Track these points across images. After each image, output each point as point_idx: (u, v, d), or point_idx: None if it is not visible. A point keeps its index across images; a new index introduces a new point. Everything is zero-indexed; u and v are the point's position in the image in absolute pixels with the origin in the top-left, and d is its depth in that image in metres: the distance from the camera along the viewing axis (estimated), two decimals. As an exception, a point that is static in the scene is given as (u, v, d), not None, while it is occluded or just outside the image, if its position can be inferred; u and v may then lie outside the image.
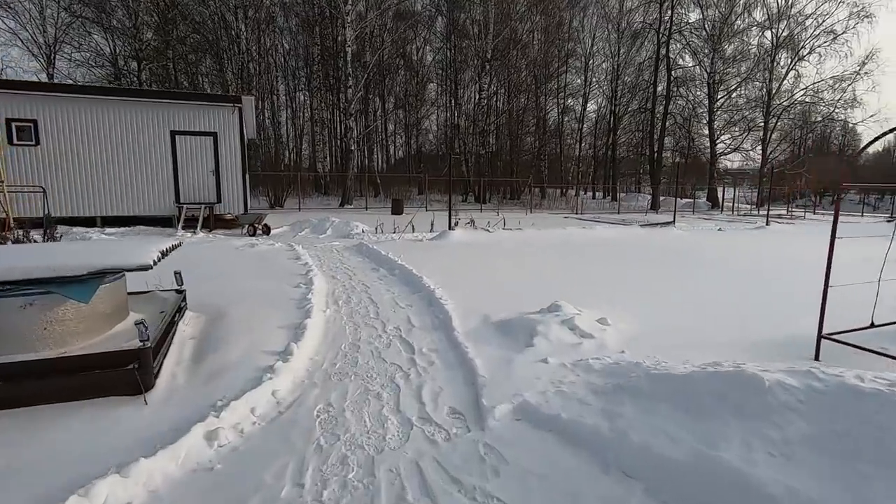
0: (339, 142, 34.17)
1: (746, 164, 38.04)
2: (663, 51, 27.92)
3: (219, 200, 13.40)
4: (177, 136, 12.79)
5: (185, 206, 12.44)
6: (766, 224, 15.41)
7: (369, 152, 30.67)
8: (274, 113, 30.73)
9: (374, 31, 25.72)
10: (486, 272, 7.19)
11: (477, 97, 26.94)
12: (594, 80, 40.67)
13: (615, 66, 38.82)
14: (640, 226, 13.06)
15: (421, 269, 7.01)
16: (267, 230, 12.20)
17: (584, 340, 4.00)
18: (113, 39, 25.52)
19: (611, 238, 11.63)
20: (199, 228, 11.62)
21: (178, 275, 4.70)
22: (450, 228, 11.03)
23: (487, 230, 11.24)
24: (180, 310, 4.27)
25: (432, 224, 13.28)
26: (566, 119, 40.59)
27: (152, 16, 25.50)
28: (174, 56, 26.96)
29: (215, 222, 13.25)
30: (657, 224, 13.27)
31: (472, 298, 5.35)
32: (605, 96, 40.49)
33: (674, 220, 13.65)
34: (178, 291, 4.54)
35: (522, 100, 32.76)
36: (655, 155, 27.94)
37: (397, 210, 18.99)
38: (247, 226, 11.94)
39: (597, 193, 42.16)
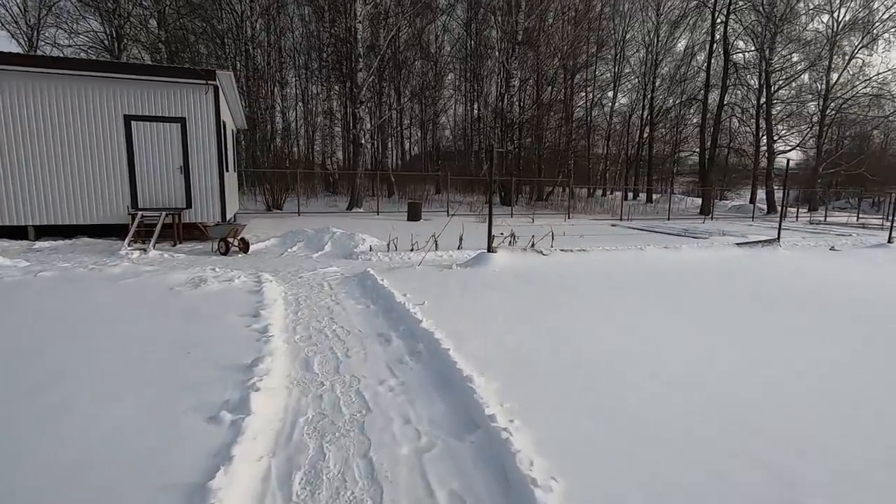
0: (350, 136, 31.34)
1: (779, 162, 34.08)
2: (718, 33, 24.40)
3: (188, 205, 10.49)
4: (133, 123, 9.91)
5: (140, 212, 9.55)
6: (889, 241, 12.07)
7: (383, 147, 27.71)
8: (275, 102, 27.96)
9: (388, 10, 22.69)
10: (581, 357, 4.11)
11: (504, 86, 23.75)
12: (628, 70, 37.29)
13: (653, 55, 35.34)
14: (737, 245, 9.84)
15: (462, 341, 4.00)
16: (244, 246, 9.25)
17: None
18: (110, 24, 22.77)
19: (717, 267, 8.44)
20: (152, 244, 8.70)
21: None
22: (489, 250, 7.96)
23: (540, 252, 8.18)
24: None
25: (461, 239, 10.21)
26: (595, 114, 37.23)
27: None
28: (169, 39, 24.24)
29: (185, 233, 10.35)
30: (757, 242, 10.04)
31: (615, 477, 2.30)
32: (639, 88, 37.05)
33: (778, 237, 10.39)
34: None
35: (551, 91, 29.48)
36: (708, 151, 24.44)
37: (414, 215, 15.96)
38: (217, 241, 9.01)
39: (629, 194, 38.69)
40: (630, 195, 38.69)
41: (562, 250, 8.52)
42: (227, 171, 11.54)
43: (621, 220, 20.16)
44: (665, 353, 4.05)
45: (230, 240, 8.94)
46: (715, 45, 24.29)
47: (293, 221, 14.70)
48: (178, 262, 8.06)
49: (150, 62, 21.54)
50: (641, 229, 16.30)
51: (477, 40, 33.72)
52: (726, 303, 5.95)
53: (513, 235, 10.63)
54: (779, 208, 28.66)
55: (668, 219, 21.00)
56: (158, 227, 9.18)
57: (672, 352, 4.10)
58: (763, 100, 26.15)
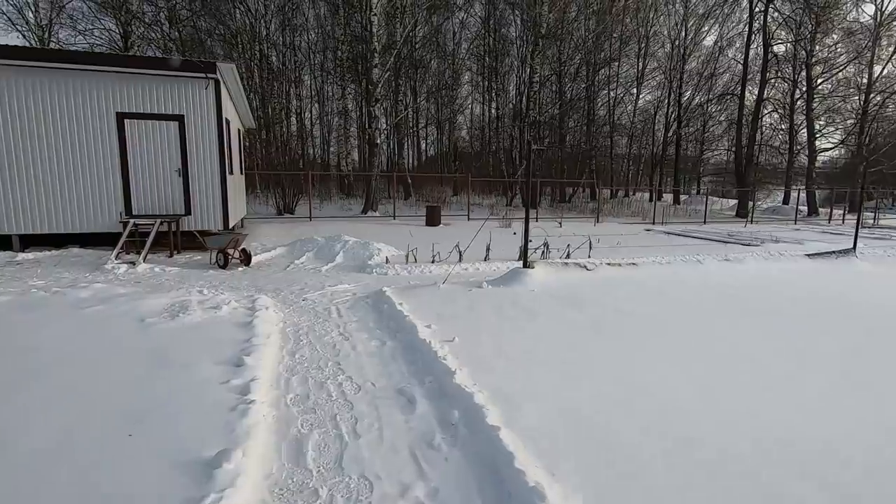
0: (365, 137, 30.45)
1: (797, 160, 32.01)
2: (756, 23, 22.81)
3: (187, 212, 9.54)
4: (127, 121, 8.98)
5: (133, 220, 8.60)
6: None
7: (399, 147, 26.73)
8: (289, 103, 27.22)
9: (405, 5, 21.65)
10: (692, 433, 2.94)
11: (526, 83, 22.54)
12: (654, 65, 35.68)
13: (681, 49, 33.71)
14: (807, 256, 8.50)
15: (512, 407, 2.90)
16: (246, 258, 8.24)
17: None
18: (125, 25, 22.10)
19: (797, 284, 7.14)
20: (142, 257, 7.73)
21: None
22: (524, 264, 6.79)
23: (583, 266, 6.98)
24: None
25: (488, 249, 9.06)
26: (618, 112, 35.69)
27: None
28: (182, 39, 23.57)
29: (185, 242, 9.40)
30: (831, 253, 8.69)
31: None
32: (664, 85, 35.43)
33: (854, 246, 9.01)
34: None
35: (572, 89, 28.13)
36: (745, 149, 22.84)
37: (433, 220, 14.86)
38: (216, 252, 8.01)
39: (655, 196, 37.02)
40: (654, 196, 37.04)
41: (608, 264, 7.31)
42: (231, 173, 10.58)
43: (653, 223, 18.78)
44: (828, 431, 2.85)
45: (230, 251, 7.93)
46: (753, 35, 22.68)
47: (304, 227, 13.71)
48: (168, 278, 7.06)
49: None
50: (679, 234, 14.94)
51: (495, 37, 32.63)
52: (847, 338, 4.70)
53: (546, 246, 9.44)
54: (829, 210, 26.81)
55: (705, 222, 19.54)
56: (151, 236, 8.22)
57: (836, 431, 2.90)
58: (797, 94, 24.44)
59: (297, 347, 4.18)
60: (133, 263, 7.55)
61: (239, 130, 12.99)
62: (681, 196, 35.35)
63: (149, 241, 8.09)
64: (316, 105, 32.04)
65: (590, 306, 5.55)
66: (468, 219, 16.82)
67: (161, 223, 8.69)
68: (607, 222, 18.06)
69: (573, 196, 29.60)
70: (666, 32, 34.98)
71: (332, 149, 32.17)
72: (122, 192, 9.12)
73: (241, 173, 13.36)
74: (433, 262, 8.66)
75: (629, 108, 36.84)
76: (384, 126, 18.38)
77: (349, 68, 26.33)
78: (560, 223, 15.65)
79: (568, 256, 9.53)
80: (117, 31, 21.41)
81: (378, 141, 17.39)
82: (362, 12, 17.93)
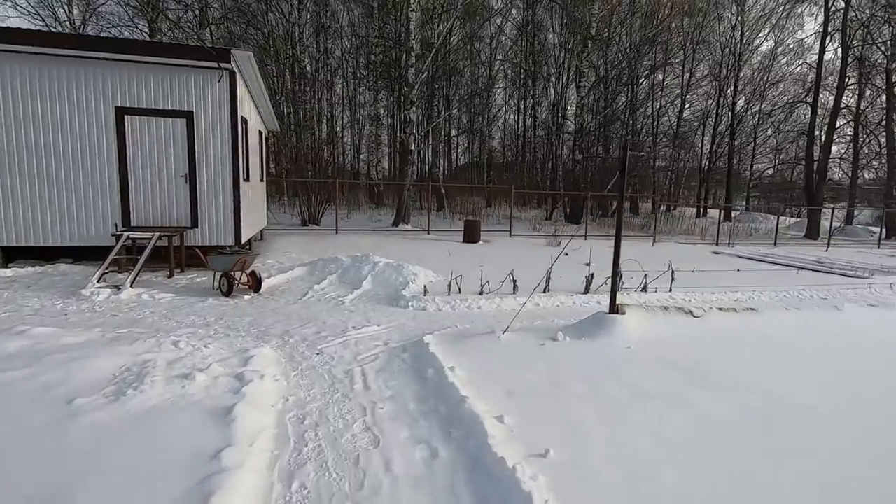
0: (396, 144, 29.27)
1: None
2: (831, 24, 20.51)
3: (194, 224, 8.19)
4: (127, 118, 7.72)
5: (127, 233, 7.27)
6: None
7: (433, 155, 25.36)
8: (321, 109, 26.25)
9: (444, 6, 20.33)
10: None
11: (562, 89, 20.84)
12: (704, 71, 33.39)
13: (736, 55, 31.39)
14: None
15: None
16: (255, 283, 6.78)
17: None
18: (158, 30, 21.43)
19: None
20: (129, 280, 6.33)
21: None
22: (611, 309, 5.07)
23: (688, 312, 5.24)
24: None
25: (548, 280, 7.37)
26: (664, 121, 33.47)
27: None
28: (215, 43, 22.81)
29: (188, 259, 8.03)
30: None
31: None
32: (712, 94, 33.10)
33: None
34: None
35: (622, 93, 26.22)
36: (817, 163, 20.46)
37: (472, 236, 13.24)
38: (220, 277, 6.58)
39: (701, 211, 34.56)
40: (698, 211, 34.56)
41: (719, 309, 5.52)
42: (247, 180, 9.24)
43: (717, 244, 16.70)
44: None
45: (232, 275, 6.48)
46: (828, 38, 20.39)
47: (329, 241, 12.30)
48: (153, 311, 5.64)
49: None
50: (757, 259, 12.90)
51: (534, 42, 31.15)
52: None
53: (619, 276, 7.67)
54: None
55: (775, 244, 17.31)
56: (144, 255, 6.85)
57: None
58: (863, 104, 21.90)
59: (297, 465, 2.59)
60: (118, 288, 6.17)
61: (261, 133, 11.72)
62: (732, 212, 32.78)
63: (140, 260, 6.71)
64: (347, 112, 31.10)
65: (722, 383, 3.81)
66: (510, 234, 15.14)
67: (160, 237, 7.34)
68: (664, 242, 16.07)
69: (615, 210, 27.55)
70: (715, 38, 32.73)
71: (362, 156, 31.12)
72: (120, 200, 7.83)
73: (262, 180, 12.07)
74: (481, 293, 7.03)
75: (673, 117, 34.59)
76: (417, 131, 16.96)
77: (382, 74, 25.25)
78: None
79: (644, 289, 7.76)
80: (149, 35, 20.77)
81: (412, 147, 15.95)
82: (399, 11, 16.69)
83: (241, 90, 8.36)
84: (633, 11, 24.31)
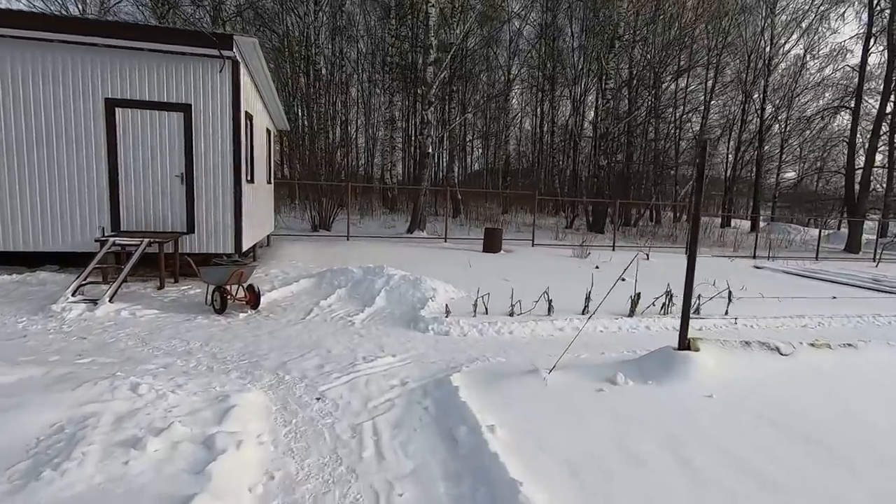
0: (411, 149, 28.56)
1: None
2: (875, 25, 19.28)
3: (190, 229, 7.38)
4: (118, 110, 6.95)
5: (112, 239, 6.47)
6: None
7: (449, 159, 24.57)
8: (336, 112, 25.63)
9: (464, 5, 19.52)
10: None
11: (596, 89, 19.89)
12: (728, 77, 32.14)
13: (765, 58, 30.14)
14: None
15: None
16: (252, 299, 5.92)
17: None
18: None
19: None
20: (108, 294, 5.51)
21: None
22: (681, 344, 4.10)
23: (774, 349, 4.25)
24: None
25: (588, 299, 6.41)
26: (688, 127, 32.26)
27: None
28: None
29: (183, 268, 7.21)
30: None
31: None
32: (736, 101, 31.82)
33: None
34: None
35: (648, 97, 25.16)
36: (861, 172, 19.18)
37: (492, 245, 12.30)
38: (212, 291, 5.74)
39: (725, 221, 33.19)
40: (723, 221, 33.19)
41: (810, 345, 4.51)
42: (251, 181, 8.43)
43: (755, 257, 15.55)
44: None
45: (227, 290, 5.63)
46: (872, 39, 19.17)
47: (339, 249, 11.46)
48: (129, 332, 4.80)
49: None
50: (804, 275, 11.78)
51: (553, 46, 30.32)
52: None
53: (668, 295, 6.70)
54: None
55: (817, 258, 16.09)
56: (129, 264, 6.04)
57: None
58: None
59: None
60: (94, 303, 5.35)
61: (269, 131, 10.94)
62: (759, 222, 31.38)
63: (123, 271, 5.89)
64: (362, 115, 30.48)
65: (851, 457, 2.82)
66: (532, 244, 14.18)
67: (151, 243, 6.53)
68: (700, 254, 14.94)
69: (639, 219, 26.40)
70: (743, 42, 31.49)
71: (375, 160, 30.44)
72: (109, 202, 7.06)
73: (270, 182, 11.28)
74: (511, 314, 6.09)
75: (696, 124, 33.33)
76: (435, 133, 16.12)
77: (398, 76, 24.58)
78: (647, 255, 12.78)
79: (697, 311, 6.76)
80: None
81: (429, 150, 15.10)
82: (417, 11, 15.99)
83: (245, 81, 7.56)
84: (659, 13, 23.33)
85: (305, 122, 25.01)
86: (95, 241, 6.46)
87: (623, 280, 9.61)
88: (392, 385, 3.79)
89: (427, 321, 5.62)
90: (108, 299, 5.39)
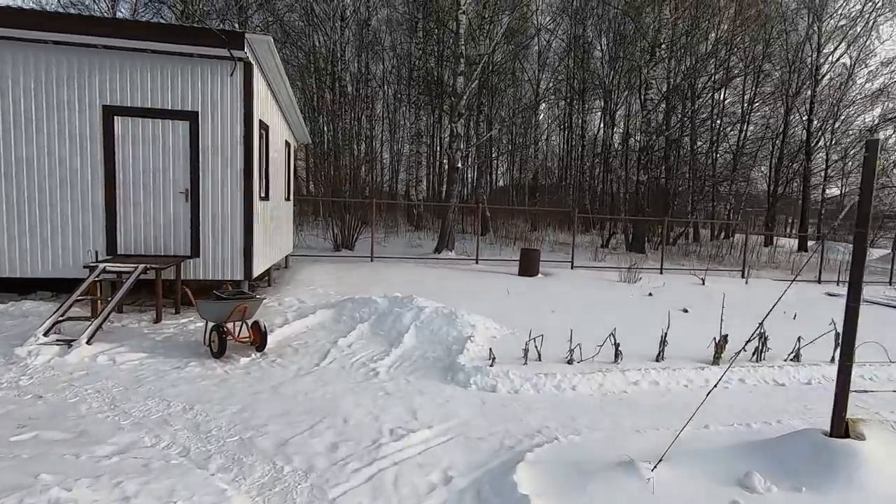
0: (436, 165, 27.77)
1: None
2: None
3: (195, 253, 6.51)
4: (116, 119, 6.18)
5: (105, 264, 5.61)
6: None
7: (477, 174, 23.68)
8: (361, 128, 25.12)
9: (494, 12, 18.70)
10: None
11: (635, 99, 18.75)
12: (769, 87, 30.48)
13: (812, 67, 28.45)
14: None
15: None
16: (257, 339, 4.94)
17: None
18: None
19: None
20: (87, 333, 4.59)
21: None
22: (836, 430, 2.92)
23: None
24: None
25: (663, 343, 5.22)
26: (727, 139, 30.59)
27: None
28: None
29: (185, 296, 6.31)
30: None
31: None
32: (776, 112, 30.09)
33: None
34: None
35: (689, 108, 23.82)
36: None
37: (529, 268, 11.16)
38: (209, 330, 4.78)
39: (769, 240, 31.17)
40: (766, 240, 31.17)
41: None
42: (266, 198, 7.56)
43: (820, 282, 13.97)
44: None
45: (225, 331, 4.67)
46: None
47: (363, 271, 10.50)
48: (100, 388, 3.86)
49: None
50: (890, 305, 10.26)
51: (583, 58, 29.40)
52: None
53: (762, 338, 5.43)
54: None
55: (891, 282, 14.41)
56: (117, 297, 5.14)
57: None
58: None
59: None
60: (69, 344, 4.45)
61: (288, 144, 10.14)
62: (808, 242, 29.31)
63: (108, 306, 4.99)
64: (387, 131, 29.96)
65: None
66: (572, 266, 12.98)
67: (147, 270, 5.65)
68: (755, 277, 13.45)
69: (679, 237, 24.83)
70: (785, 52, 29.85)
71: (400, 177, 29.78)
72: (105, 223, 6.25)
73: (289, 199, 10.45)
74: (570, 361, 4.95)
75: (731, 137, 31.58)
76: (464, 146, 15.16)
77: (424, 90, 23.96)
78: (703, 279, 11.42)
79: (797, 358, 5.48)
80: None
81: (458, 165, 14.15)
82: (444, 24, 15.25)
83: (259, 86, 6.73)
84: (699, 20, 22.11)
85: (329, 139, 24.56)
86: (84, 267, 5.60)
87: (685, 311, 8.43)
88: (431, 483, 2.71)
89: (468, 371, 4.53)
90: (85, 340, 4.48)
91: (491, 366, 4.63)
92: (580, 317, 7.18)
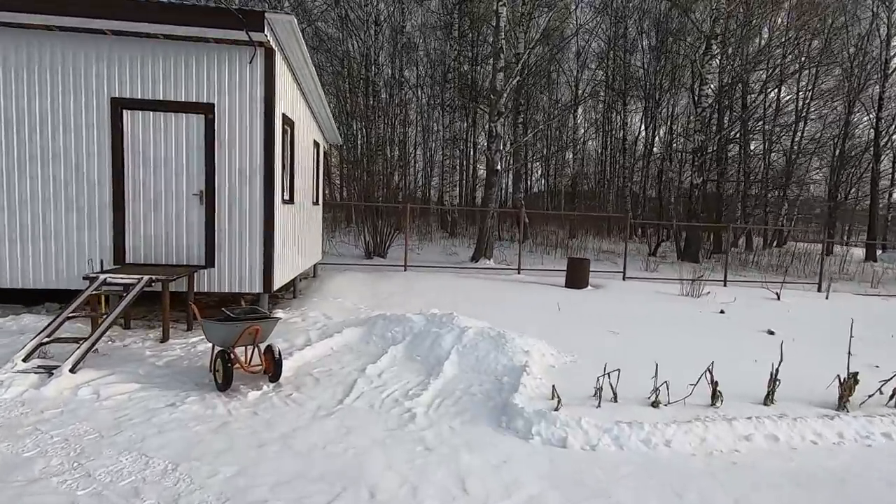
0: (471, 169, 26.94)
1: None
2: None
3: (209, 262, 5.81)
4: (126, 113, 5.55)
5: (104, 276, 4.94)
6: None
7: (515, 178, 22.74)
8: (394, 133, 24.58)
9: (532, 11, 17.75)
10: None
11: (696, 97, 17.42)
12: (829, 84, 28.21)
13: (881, 62, 26.17)
14: None
15: None
16: (272, 367, 4.12)
17: None
18: None
19: None
20: (74, 360, 3.88)
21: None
22: None
23: None
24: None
25: (774, 379, 4.11)
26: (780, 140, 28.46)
27: None
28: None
29: (197, 311, 5.59)
30: None
31: None
32: (838, 113, 27.75)
33: None
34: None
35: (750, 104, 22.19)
36: None
37: (578, 280, 10.08)
38: (214, 356, 3.99)
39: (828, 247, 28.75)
40: (824, 249, 28.70)
41: None
42: (290, 202, 6.83)
43: (909, 296, 12.27)
44: None
45: (230, 357, 3.87)
46: None
47: (396, 281, 9.67)
48: (78, 428, 3.10)
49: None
50: None
51: (624, 58, 28.09)
52: None
53: (903, 375, 4.24)
54: None
55: None
56: (115, 313, 4.44)
57: None
58: None
59: None
60: (50, 372, 3.74)
61: (317, 144, 9.45)
62: (877, 251, 26.84)
63: (99, 329, 4.27)
64: (420, 136, 29.35)
65: None
66: (623, 277, 11.79)
67: (153, 281, 4.95)
68: (833, 291, 11.88)
69: (733, 245, 23.06)
70: (847, 46, 27.53)
71: (433, 182, 29.07)
72: (112, 228, 5.62)
73: (317, 203, 9.75)
74: (654, 403, 3.93)
75: (785, 139, 29.34)
76: (504, 148, 14.19)
77: (458, 93, 23.25)
78: (778, 294, 10.06)
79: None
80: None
81: (497, 167, 13.21)
82: (480, 25, 14.45)
83: (282, 76, 6.01)
84: (754, 12, 20.51)
85: (363, 144, 24.14)
86: (84, 278, 4.95)
87: (771, 333, 7.20)
88: None
89: (528, 417, 3.57)
90: (68, 368, 3.76)
91: (556, 409, 3.66)
92: (647, 339, 6.11)
